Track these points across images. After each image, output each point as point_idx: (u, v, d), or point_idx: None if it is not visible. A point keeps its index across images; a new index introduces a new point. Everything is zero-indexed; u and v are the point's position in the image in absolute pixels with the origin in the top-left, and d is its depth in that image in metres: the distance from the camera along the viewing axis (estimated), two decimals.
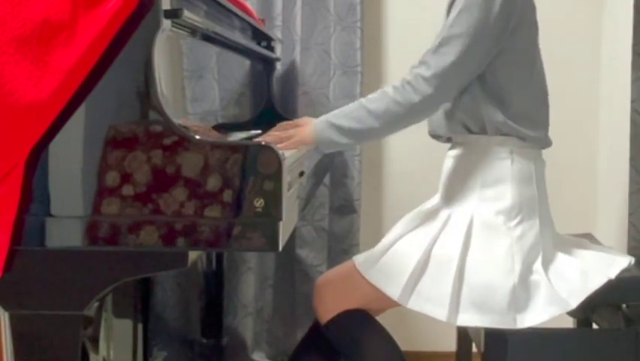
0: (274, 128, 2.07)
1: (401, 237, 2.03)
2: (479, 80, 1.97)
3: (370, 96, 1.96)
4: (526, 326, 1.89)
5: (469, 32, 1.89)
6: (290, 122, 2.08)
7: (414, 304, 1.93)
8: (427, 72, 1.89)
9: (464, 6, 1.90)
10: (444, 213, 2.02)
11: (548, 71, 2.11)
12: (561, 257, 2.00)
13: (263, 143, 1.49)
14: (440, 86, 1.90)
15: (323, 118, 1.96)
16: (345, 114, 1.94)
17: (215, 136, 1.95)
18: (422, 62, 1.92)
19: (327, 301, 2.05)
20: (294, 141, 1.93)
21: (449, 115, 2.03)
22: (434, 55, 1.91)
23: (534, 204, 1.99)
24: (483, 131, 2.00)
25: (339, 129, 1.92)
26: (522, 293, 1.90)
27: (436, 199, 2.12)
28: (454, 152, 2.08)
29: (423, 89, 1.89)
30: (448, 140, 2.12)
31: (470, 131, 2.02)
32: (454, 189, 2.05)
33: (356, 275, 2.00)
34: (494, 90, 1.97)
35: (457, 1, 1.93)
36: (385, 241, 2.06)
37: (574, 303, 1.91)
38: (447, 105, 2.02)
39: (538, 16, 2.04)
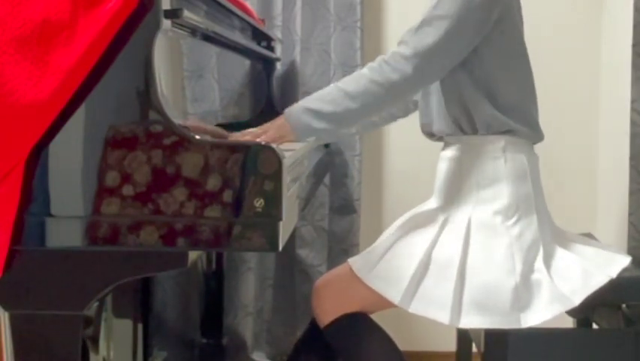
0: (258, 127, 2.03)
1: (398, 240, 2.02)
2: (466, 73, 1.96)
3: (346, 78, 1.93)
4: (531, 325, 1.89)
5: (451, 14, 1.87)
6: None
7: (415, 308, 1.93)
8: (406, 51, 1.87)
9: None
10: (441, 216, 2.02)
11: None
12: (562, 254, 1.99)
13: (263, 143, 1.49)
14: (419, 66, 1.86)
15: (296, 104, 1.90)
16: (320, 98, 1.89)
17: (215, 132, 1.95)
18: (402, 42, 1.90)
19: (326, 304, 2.04)
20: (269, 135, 1.86)
21: (440, 110, 2.03)
22: (415, 35, 1.88)
23: (530, 201, 1.99)
24: (474, 130, 2.00)
25: (316, 113, 1.86)
26: (524, 292, 1.90)
27: (431, 202, 2.12)
28: (448, 154, 2.08)
29: (401, 68, 1.86)
30: (440, 139, 2.12)
31: (462, 131, 2.02)
32: (450, 192, 2.05)
33: (355, 280, 1.99)
34: (482, 81, 1.96)
35: None
36: (381, 243, 2.05)
37: (577, 301, 1.91)
38: (438, 100, 2.02)
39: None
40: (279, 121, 1.90)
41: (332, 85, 1.93)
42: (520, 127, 1.99)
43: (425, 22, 1.89)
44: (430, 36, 1.87)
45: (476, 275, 1.91)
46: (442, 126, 2.05)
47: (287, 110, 1.90)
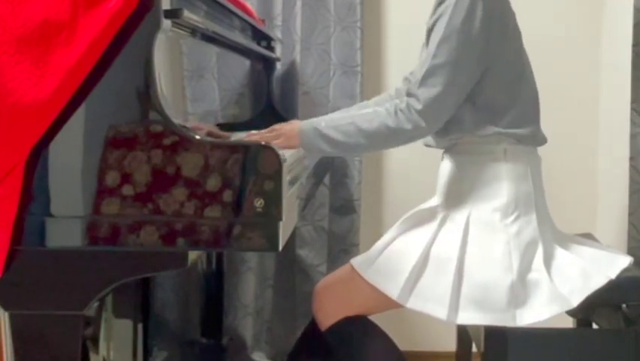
0: (265, 130, 2.06)
1: (398, 236, 2.03)
2: (469, 103, 1.98)
3: (363, 113, 1.98)
4: (527, 324, 1.89)
5: (452, 61, 1.91)
6: (283, 123, 2.08)
7: (413, 303, 1.93)
8: (417, 105, 1.91)
9: (443, 35, 1.92)
10: (441, 213, 2.03)
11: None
12: (562, 254, 2.00)
13: (263, 143, 1.49)
14: (431, 117, 1.92)
15: (311, 123, 1.95)
16: (334, 126, 1.94)
17: (217, 134, 1.95)
18: (412, 95, 1.94)
19: (327, 307, 2.04)
20: (278, 143, 1.89)
21: (441, 135, 2.04)
22: (421, 87, 1.92)
23: (530, 200, 2.00)
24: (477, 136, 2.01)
25: (327, 139, 1.92)
26: (521, 290, 1.90)
27: (434, 200, 2.12)
28: (450, 152, 2.09)
29: (415, 120, 1.91)
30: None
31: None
32: (451, 189, 2.05)
33: (355, 279, 2.00)
34: (484, 107, 1.99)
35: (437, 28, 1.95)
36: (382, 241, 2.06)
37: (575, 302, 1.91)
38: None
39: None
40: (289, 131, 1.94)
41: (348, 115, 2.00)
42: (523, 133, 2.01)
43: (428, 74, 1.92)
44: (436, 87, 1.91)
45: (474, 272, 1.92)
46: (444, 144, 2.08)
47: (301, 128, 1.94)
